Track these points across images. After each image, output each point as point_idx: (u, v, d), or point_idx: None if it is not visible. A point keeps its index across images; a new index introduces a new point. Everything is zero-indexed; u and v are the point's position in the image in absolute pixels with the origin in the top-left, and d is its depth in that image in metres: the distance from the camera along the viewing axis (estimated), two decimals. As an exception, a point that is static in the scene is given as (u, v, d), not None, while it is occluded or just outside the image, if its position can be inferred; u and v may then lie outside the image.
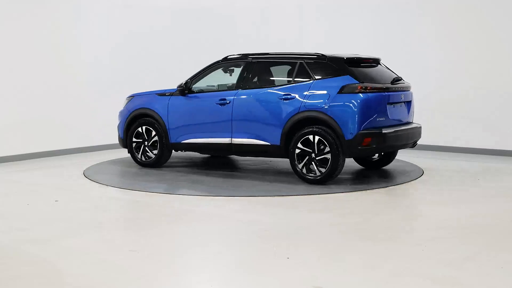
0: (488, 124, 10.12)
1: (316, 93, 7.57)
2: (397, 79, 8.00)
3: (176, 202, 6.88)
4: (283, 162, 9.25)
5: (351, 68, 7.61)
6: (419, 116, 10.70)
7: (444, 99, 10.53)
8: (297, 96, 7.63)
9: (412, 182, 7.89)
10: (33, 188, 7.62)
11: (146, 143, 8.85)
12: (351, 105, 7.35)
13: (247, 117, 7.97)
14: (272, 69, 8.36)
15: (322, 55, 7.83)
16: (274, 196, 7.00)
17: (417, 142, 8.42)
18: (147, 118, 8.83)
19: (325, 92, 7.50)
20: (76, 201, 6.91)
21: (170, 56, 11.62)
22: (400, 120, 7.91)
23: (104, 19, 10.91)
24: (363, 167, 8.79)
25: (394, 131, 7.59)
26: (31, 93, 9.75)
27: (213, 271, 4.62)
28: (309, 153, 7.55)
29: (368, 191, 7.31)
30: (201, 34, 11.75)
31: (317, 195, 7.08)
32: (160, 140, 8.65)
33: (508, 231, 5.62)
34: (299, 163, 7.60)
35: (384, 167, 8.78)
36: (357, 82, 7.44)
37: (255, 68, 8.18)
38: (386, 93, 7.62)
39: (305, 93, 7.59)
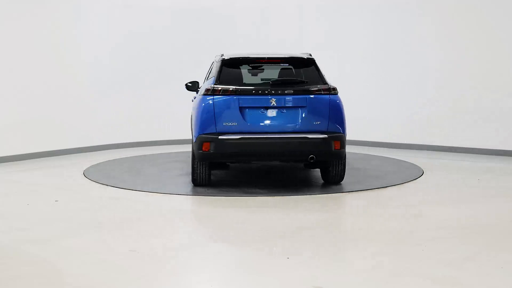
0: (488, 124, 10.12)
1: (197, 95, 7.77)
2: (284, 82, 7.25)
3: (176, 202, 6.87)
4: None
5: (224, 69, 7.28)
6: (419, 116, 10.74)
7: (444, 99, 10.54)
8: None
9: (412, 182, 7.88)
10: (33, 188, 7.62)
11: None
12: (198, 107, 7.19)
13: None
14: None
15: (222, 55, 7.70)
16: (274, 196, 7.00)
17: (320, 158, 7.16)
18: None
19: (195, 94, 7.67)
20: (76, 201, 6.91)
21: (170, 56, 11.62)
22: (273, 127, 7.02)
23: (104, 19, 10.92)
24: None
25: (240, 138, 6.90)
26: (31, 93, 9.75)
27: (213, 271, 4.62)
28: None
29: (368, 191, 7.31)
30: (201, 34, 11.75)
31: (317, 195, 7.08)
32: None
33: (508, 231, 5.62)
34: None
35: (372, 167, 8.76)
36: (213, 83, 7.16)
37: None
38: (237, 96, 7.00)
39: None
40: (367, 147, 11.05)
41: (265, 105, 7.01)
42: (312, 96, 7.07)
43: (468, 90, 10.29)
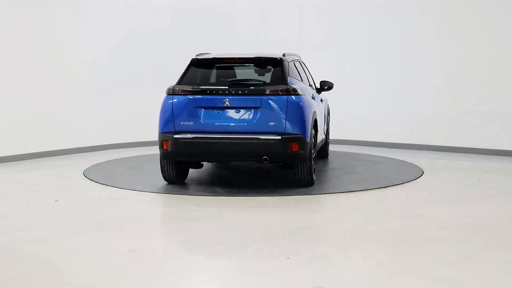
0: (488, 124, 10.12)
1: None
2: (241, 82, 7.25)
3: (176, 202, 6.87)
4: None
5: (191, 69, 7.43)
6: (419, 116, 10.74)
7: (444, 99, 10.54)
8: None
9: (412, 182, 7.88)
10: (33, 188, 7.62)
11: None
12: (161, 107, 7.32)
13: None
14: None
15: (198, 55, 7.80)
16: (274, 196, 7.00)
17: (274, 159, 7.11)
18: None
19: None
20: (76, 201, 6.91)
21: (170, 56, 11.61)
22: (229, 128, 7.05)
23: (104, 19, 10.92)
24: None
25: (194, 137, 7.02)
26: (31, 93, 9.75)
27: (213, 271, 4.62)
28: None
29: (368, 191, 7.31)
30: (201, 34, 11.75)
31: (317, 195, 7.08)
32: None
33: (508, 231, 5.62)
34: None
35: (373, 167, 8.76)
36: (177, 83, 7.33)
37: None
38: (193, 96, 7.10)
39: None
40: (367, 147, 11.05)
41: (220, 105, 7.06)
42: (267, 97, 6.99)
43: (468, 90, 10.29)
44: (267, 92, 7.00)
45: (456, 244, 5.14)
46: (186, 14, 11.76)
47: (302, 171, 7.18)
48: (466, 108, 10.32)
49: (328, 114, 9.83)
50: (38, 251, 4.98)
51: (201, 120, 7.08)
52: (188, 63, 7.54)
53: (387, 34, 11.04)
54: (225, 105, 7.04)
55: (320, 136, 8.39)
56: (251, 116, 7.01)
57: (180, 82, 7.35)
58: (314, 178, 7.49)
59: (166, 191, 7.29)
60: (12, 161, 9.42)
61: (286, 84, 7.09)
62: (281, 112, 6.95)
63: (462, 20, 10.31)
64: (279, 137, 6.86)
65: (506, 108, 9.95)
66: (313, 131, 7.45)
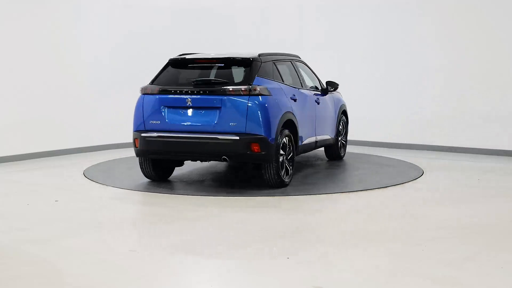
0: (488, 124, 10.11)
1: None
2: (205, 82, 7.27)
3: (176, 202, 6.87)
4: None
5: (167, 69, 7.59)
6: (419, 116, 10.74)
7: (444, 99, 10.54)
8: None
9: (412, 182, 7.88)
10: (33, 188, 7.62)
11: None
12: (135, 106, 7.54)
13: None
14: None
15: (181, 55, 7.91)
16: (274, 196, 7.00)
17: (235, 159, 7.18)
18: None
19: None
20: (76, 201, 6.91)
21: (170, 56, 11.56)
22: (192, 127, 7.13)
23: (104, 19, 10.91)
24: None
25: (158, 136, 7.19)
26: (31, 93, 9.75)
27: (213, 271, 4.62)
28: None
29: (367, 191, 7.31)
30: (201, 34, 11.74)
31: (317, 195, 7.08)
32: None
33: (508, 231, 5.62)
34: None
35: (373, 167, 8.74)
36: (149, 83, 7.52)
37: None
38: (160, 96, 7.26)
39: None
40: (367, 147, 11.05)
41: (183, 105, 7.15)
42: (228, 97, 7.01)
43: (468, 90, 10.29)
44: (228, 93, 7.02)
45: (456, 244, 5.14)
46: (186, 14, 11.76)
47: (269, 172, 7.15)
48: (466, 108, 10.32)
49: (343, 114, 9.56)
50: (38, 251, 4.98)
51: (167, 120, 7.21)
52: (168, 62, 7.69)
53: (387, 34, 11.04)
54: (187, 105, 7.12)
55: (313, 138, 8.27)
56: (212, 116, 7.05)
57: (152, 82, 7.52)
58: (287, 180, 7.37)
59: (166, 191, 7.29)
60: (12, 161, 9.42)
61: (250, 84, 7.06)
62: (241, 113, 6.95)
63: (462, 20, 10.31)
64: (237, 138, 6.91)
65: (506, 108, 9.95)
66: (288, 132, 7.35)
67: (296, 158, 8.93)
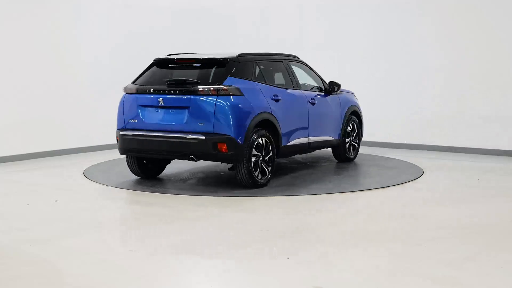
0: (488, 124, 10.11)
1: None
2: (178, 82, 7.31)
3: (176, 202, 6.87)
4: (283, 162, 9.26)
5: (150, 69, 7.75)
6: (419, 116, 10.74)
7: (444, 99, 10.54)
8: None
9: (412, 182, 7.88)
10: (33, 188, 7.62)
11: None
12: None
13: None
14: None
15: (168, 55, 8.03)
16: (274, 196, 7.00)
17: (199, 158, 7.23)
18: None
19: None
20: (76, 201, 6.91)
21: (170, 56, 11.61)
22: (164, 126, 7.27)
23: (104, 19, 10.91)
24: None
25: (133, 134, 7.44)
26: (31, 93, 9.75)
27: (213, 271, 4.62)
28: None
29: (367, 191, 7.31)
30: (201, 34, 11.75)
31: (317, 195, 7.08)
32: None
33: (508, 231, 5.62)
34: None
35: (373, 167, 8.76)
36: (131, 83, 7.72)
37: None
38: (136, 95, 7.48)
39: None
40: (367, 147, 11.04)
41: (155, 104, 7.31)
42: (196, 97, 7.09)
43: (468, 90, 10.29)
44: (197, 93, 7.09)
45: (456, 244, 5.14)
46: (186, 14, 11.76)
47: (241, 172, 7.18)
48: (466, 108, 10.32)
49: (353, 115, 9.35)
50: (38, 251, 4.98)
51: (142, 118, 7.42)
52: (153, 62, 7.81)
53: (387, 34, 11.04)
54: (159, 104, 7.27)
55: (304, 139, 8.15)
56: (182, 116, 7.15)
57: (134, 81, 7.71)
58: (263, 180, 7.35)
59: (166, 191, 7.29)
60: (12, 161, 9.42)
61: (219, 84, 7.11)
62: (209, 113, 7.02)
63: (462, 20, 10.31)
64: (203, 137, 6.98)
65: (506, 108, 9.95)
66: (266, 132, 7.33)
67: (299, 159, 8.95)
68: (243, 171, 7.16)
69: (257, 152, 7.24)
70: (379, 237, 5.38)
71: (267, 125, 7.43)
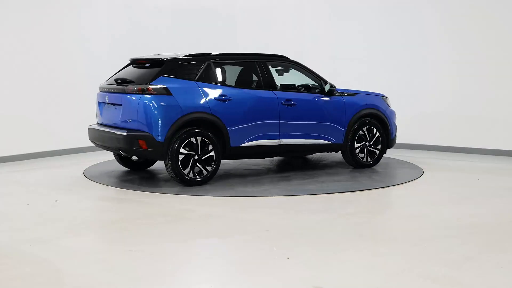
0: (488, 124, 10.11)
1: None
2: (123, 81, 7.66)
3: (176, 202, 6.87)
4: (283, 162, 9.26)
5: (123, 68, 8.19)
6: (419, 116, 10.74)
7: (444, 99, 10.54)
8: None
9: (412, 182, 7.88)
10: (33, 188, 7.62)
11: None
12: None
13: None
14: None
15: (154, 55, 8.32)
16: (274, 196, 7.00)
17: (125, 152, 7.75)
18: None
19: None
20: (76, 201, 6.91)
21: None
22: (110, 121, 7.86)
23: (104, 19, 10.91)
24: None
25: (92, 129, 8.17)
26: (31, 93, 9.75)
27: (213, 271, 4.62)
28: None
29: (367, 191, 7.31)
30: (201, 34, 11.74)
31: (317, 195, 7.08)
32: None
33: (508, 231, 5.62)
34: None
35: (374, 167, 8.71)
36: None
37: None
38: (99, 92, 8.15)
39: None
40: (367, 147, 11.04)
41: (104, 101, 7.95)
42: (126, 95, 7.51)
43: (468, 90, 10.29)
44: (127, 91, 7.50)
45: (456, 244, 5.14)
46: (187, 14, 11.76)
47: (168, 169, 7.45)
48: (466, 108, 10.32)
49: (372, 117, 8.80)
50: (38, 251, 4.98)
51: (100, 114, 8.13)
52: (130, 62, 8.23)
53: (387, 34, 11.04)
54: (106, 101, 7.89)
55: (274, 141, 7.95)
56: (118, 113, 7.61)
57: (107, 79, 8.23)
58: (197, 178, 7.45)
59: (166, 191, 7.29)
60: (12, 161, 9.42)
61: (146, 83, 7.38)
62: (133, 110, 7.38)
63: (464, 20, 10.30)
64: (125, 133, 7.32)
65: (506, 108, 9.95)
66: (202, 131, 7.40)
67: (284, 160, 8.82)
68: (168, 168, 7.42)
69: (188, 150, 7.36)
70: (379, 237, 5.38)
71: (208, 125, 7.51)
